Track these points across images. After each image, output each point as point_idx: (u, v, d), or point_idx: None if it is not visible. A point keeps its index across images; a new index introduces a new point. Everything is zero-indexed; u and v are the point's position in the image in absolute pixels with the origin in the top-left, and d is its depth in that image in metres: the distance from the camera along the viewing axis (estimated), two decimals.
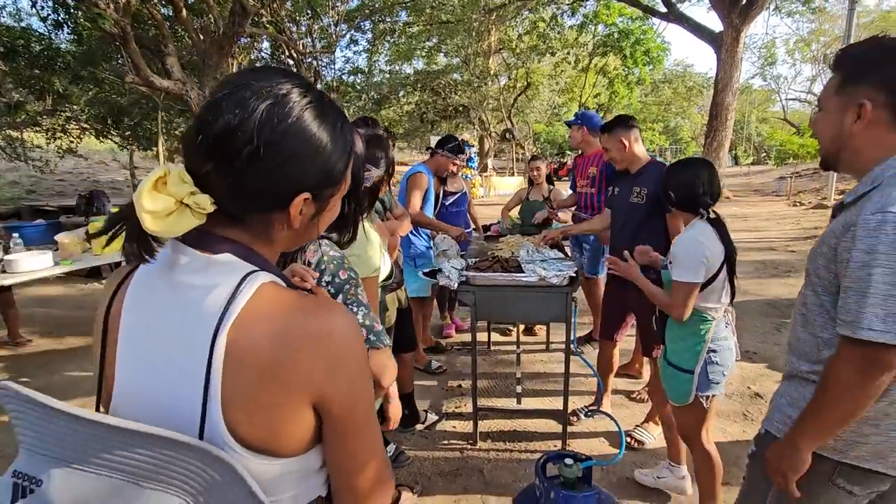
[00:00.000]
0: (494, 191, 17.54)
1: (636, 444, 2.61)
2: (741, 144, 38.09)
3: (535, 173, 4.23)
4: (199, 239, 0.59)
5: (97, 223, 3.96)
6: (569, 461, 1.50)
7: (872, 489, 1.07)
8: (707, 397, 1.81)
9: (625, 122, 2.59)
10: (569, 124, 3.81)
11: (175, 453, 0.50)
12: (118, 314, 0.61)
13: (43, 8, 9.43)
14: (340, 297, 0.92)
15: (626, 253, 2.08)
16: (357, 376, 0.60)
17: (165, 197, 0.53)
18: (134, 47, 7.31)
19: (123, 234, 0.58)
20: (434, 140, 3.80)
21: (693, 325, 1.80)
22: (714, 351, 1.79)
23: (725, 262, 1.76)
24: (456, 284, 2.47)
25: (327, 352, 0.57)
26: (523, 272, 2.47)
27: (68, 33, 10.59)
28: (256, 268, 0.60)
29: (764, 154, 35.12)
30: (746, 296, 5.10)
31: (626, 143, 2.54)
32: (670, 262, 1.79)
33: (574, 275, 2.43)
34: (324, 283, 0.93)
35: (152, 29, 8.98)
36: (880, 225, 0.92)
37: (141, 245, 0.57)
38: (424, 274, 2.73)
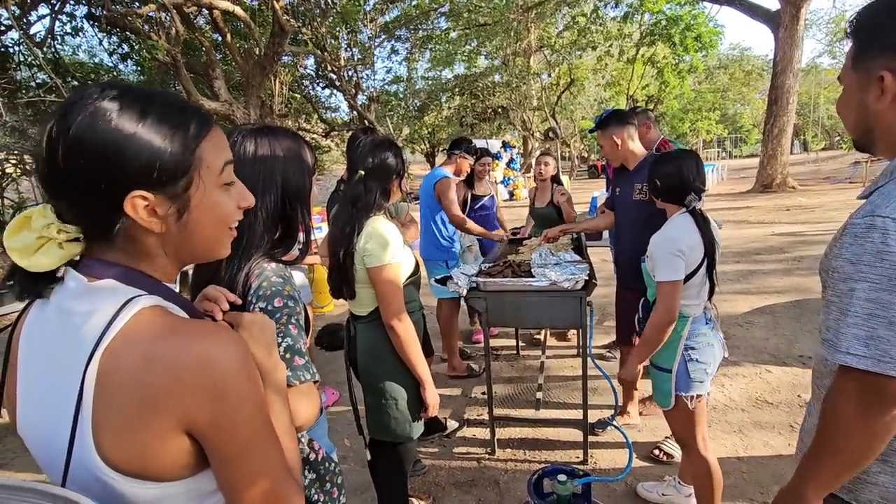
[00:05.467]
0: None
1: (664, 458, 2.45)
2: (810, 129, 35.21)
3: (541, 168, 3.74)
4: (86, 265, 0.61)
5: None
6: (562, 477, 1.42)
7: None
8: (691, 398, 1.75)
9: (619, 119, 2.47)
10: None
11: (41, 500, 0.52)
12: (19, 339, 0.64)
13: (110, 44, 10.35)
14: None
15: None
16: (237, 404, 0.59)
17: (27, 233, 0.56)
18: (185, 74, 7.83)
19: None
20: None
21: None
22: (693, 348, 1.74)
23: (706, 258, 1.70)
24: (465, 291, 2.42)
25: (199, 379, 0.56)
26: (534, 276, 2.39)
27: (133, 66, 11.58)
28: (141, 292, 0.60)
29: (837, 138, 32.27)
30: (808, 293, 4.66)
31: (619, 141, 2.44)
32: (647, 258, 1.78)
33: (587, 278, 2.32)
34: (258, 311, 0.91)
35: (202, 55, 9.58)
36: (867, 231, 0.76)
37: (23, 281, 0.59)
38: (436, 280, 2.70)
